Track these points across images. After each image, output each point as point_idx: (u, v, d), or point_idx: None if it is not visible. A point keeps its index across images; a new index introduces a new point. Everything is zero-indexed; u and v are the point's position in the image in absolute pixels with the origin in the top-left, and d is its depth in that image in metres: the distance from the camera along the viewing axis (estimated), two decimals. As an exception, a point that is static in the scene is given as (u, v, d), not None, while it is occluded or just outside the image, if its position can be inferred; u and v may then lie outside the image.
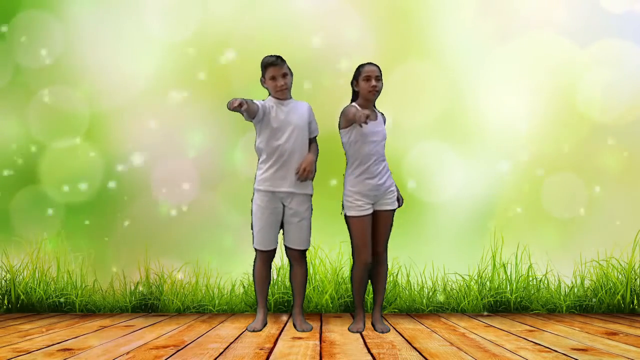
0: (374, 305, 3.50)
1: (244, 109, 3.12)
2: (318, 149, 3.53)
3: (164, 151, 4.54)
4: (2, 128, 4.61)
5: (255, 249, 3.47)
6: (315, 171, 3.44)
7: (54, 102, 4.59)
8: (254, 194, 3.45)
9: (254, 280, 3.51)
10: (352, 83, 3.44)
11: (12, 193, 4.58)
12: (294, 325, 3.44)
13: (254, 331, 3.35)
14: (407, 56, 4.48)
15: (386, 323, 3.60)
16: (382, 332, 3.32)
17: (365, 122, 3.14)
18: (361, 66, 3.40)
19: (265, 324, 3.46)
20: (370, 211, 3.36)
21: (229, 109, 3.11)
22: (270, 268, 3.53)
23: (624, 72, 4.50)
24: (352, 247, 3.39)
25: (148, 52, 4.55)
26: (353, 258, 3.39)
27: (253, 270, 3.50)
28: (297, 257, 3.49)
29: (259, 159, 3.46)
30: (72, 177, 4.56)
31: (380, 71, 3.39)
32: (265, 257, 3.47)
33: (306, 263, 3.55)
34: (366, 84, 3.35)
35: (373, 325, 3.44)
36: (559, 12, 4.51)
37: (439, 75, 4.48)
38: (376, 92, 3.36)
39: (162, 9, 4.58)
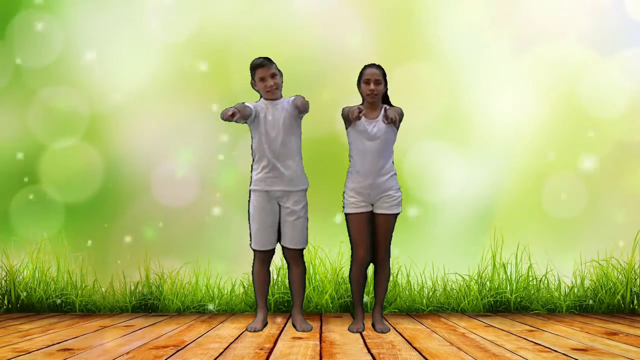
0: (374, 306, 3.50)
1: (237, 118, 3.18)
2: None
3: (163, 151, 4.54)
4: (2, 128, 4.61)
5: (253, 250, 3.47)
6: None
7: (54, 102, 4.59)
8: (250, 195, 3.47)
9: (253, 281, 3.51)
10: (357, 85, 3.43)
11: (12, 193, 4.58)
12: (294, 325, 3.44)
13: (254, 331, 3.35)
14: (408, 56, 4.48)
15: (386, 323, 3.60)
16: (382, 332, 3.32)
17: (358, 118, 3.20)
18: (363, 68, 3.39)
19: (265, 324, 3.46)
20: (367, 210, 3.36)
21: (223, 119, 3.17)
22: (269, 268, 3.53)
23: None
24: (350, 243, 3.41)
25: (148, 52, 4.55)
26: (351, 255, 3.41)
27: (252, 271, 3.50)
28: (294, 257, 3.48)
29: (253, 160, 3.47)
30: (72, 177, 4.56)
31: (384, 73, 3.37)
32: (263, 258, 3.47)
33: (304, 263, 3.53)
34: (365, 87, 3.35)
35: (373, 325, 3.44)
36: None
37: (440, 75, 4.48)
38: (374, 95, 3.35)
39: (162, 9, 4.57)
